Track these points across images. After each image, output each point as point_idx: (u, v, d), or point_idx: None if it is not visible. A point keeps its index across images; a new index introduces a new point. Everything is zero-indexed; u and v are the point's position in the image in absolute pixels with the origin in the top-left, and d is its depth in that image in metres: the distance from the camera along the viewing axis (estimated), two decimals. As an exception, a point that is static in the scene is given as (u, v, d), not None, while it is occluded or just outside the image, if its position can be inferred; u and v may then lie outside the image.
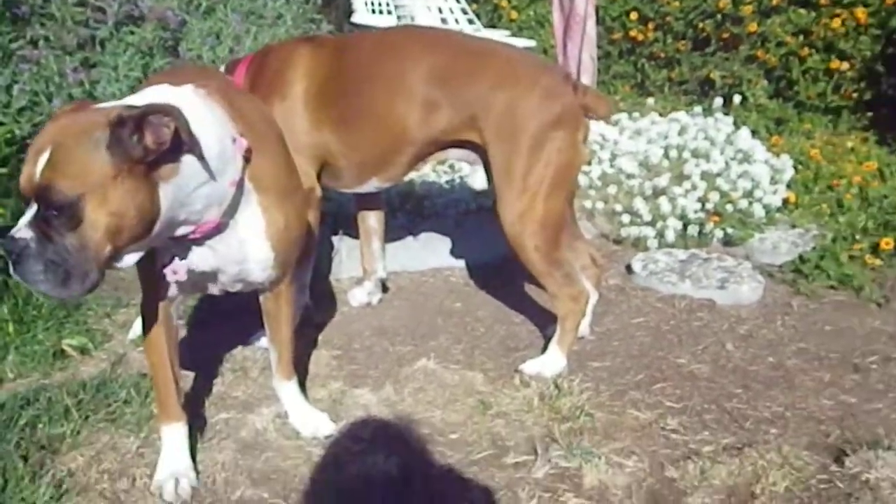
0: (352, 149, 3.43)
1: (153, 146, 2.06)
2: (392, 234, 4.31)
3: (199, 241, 2.37)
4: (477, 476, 2.65)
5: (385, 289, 4.06)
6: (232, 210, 2.36)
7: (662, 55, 7.95)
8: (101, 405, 2.98)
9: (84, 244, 2.05)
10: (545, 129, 3.15)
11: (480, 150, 3.30)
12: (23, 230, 2.05)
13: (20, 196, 2.13)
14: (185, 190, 2.18)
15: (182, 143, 2.09)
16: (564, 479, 2.63)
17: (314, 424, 2.86)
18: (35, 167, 2.03)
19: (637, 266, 4.17)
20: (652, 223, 4.51)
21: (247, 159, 2.36)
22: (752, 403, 3.08)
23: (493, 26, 8.76)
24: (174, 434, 2.63)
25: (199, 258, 2.42)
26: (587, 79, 5.01)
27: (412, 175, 4.92)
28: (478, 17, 9.06)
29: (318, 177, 3.52)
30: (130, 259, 2.20)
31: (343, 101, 3.39)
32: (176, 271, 2.39)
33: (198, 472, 2.63)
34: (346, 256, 4.21)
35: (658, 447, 2.80)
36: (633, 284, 4.12)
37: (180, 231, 2.28)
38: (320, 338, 3.61)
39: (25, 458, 2.67)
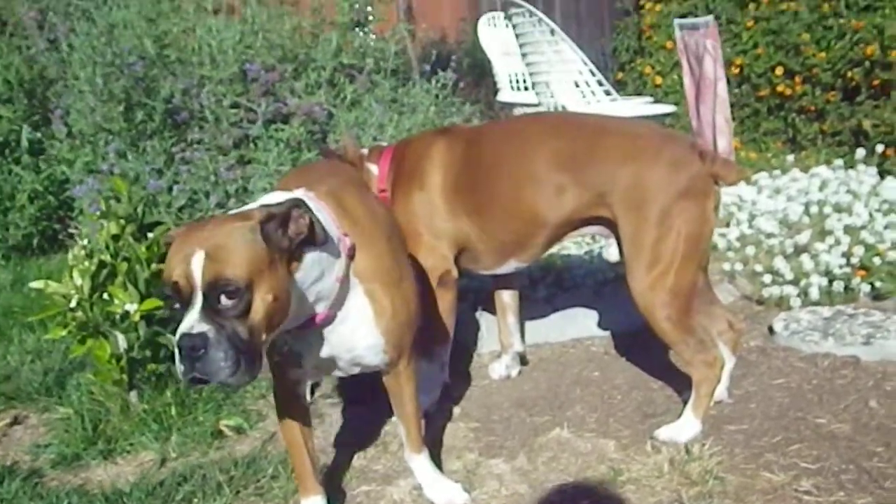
0: (488, 235, 3.59)
1: (294, 237, 2.31)
2: (533, 307, 4.45)
3: (312, 331, 2.58)
4: (604, 543, 2.71)
5: (525, 361, 4.16)
6: (339, 303, 2.56)
7: (812, 108, 7.83)
8: (251, 481, 3.22)
9: (252, 330, 2.26)
10: (673, 200, 3.21)
11: (612, 225, 3.38)
12: (198, 325, 2.21)
13: (175, 296, 2.30)
14: (304, 283, 2.41)
15: (306, 239, 2.35)
16: (692, 545, 2.67)
17: (448, 495, 2.99)
18: (192, 266, 2.22)
19: (779, 326, 4.13)
20: (794, 282, 4.46)
21: (351, 256, 2.57)
22: (895, 462, 3.01)
23: (639, 93, 8.85)
24: (314, 507, 2.81)
25: (315, 347, 2.62)
26: (724, 141, 5.03)
27: (553, 249, 5.06)
28: (624, 86, 9.18)
29: (457, 260, 3.70)
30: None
31: (476, 190, 3.57)
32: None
33: (337, 542, 2.81)
34: (487, 331, 4.34)
35: (790, 509, 2.79)
36: (774, 345, 4.08)
37: (294, 324, 2.49)
38: (460, 411, 3.74)
39: (181, 533, 2.92)
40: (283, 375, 2.75)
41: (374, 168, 3.79)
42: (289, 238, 2.33)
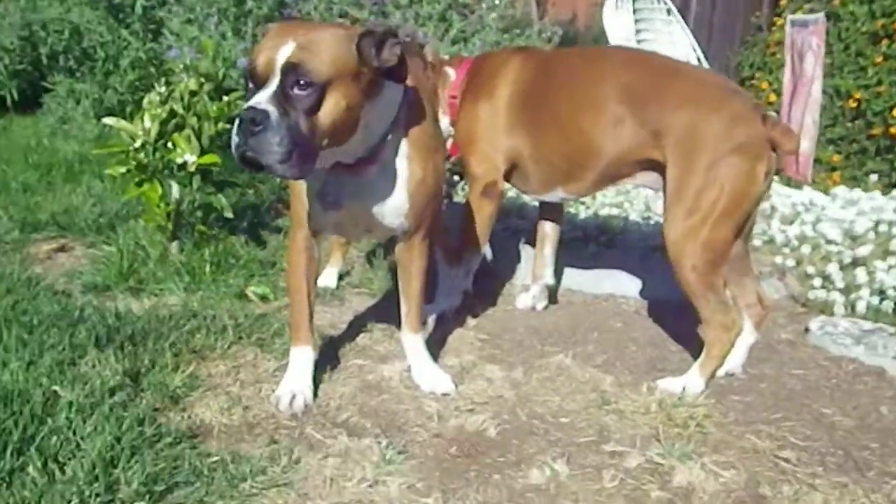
0: (541, 155, 3.63)
1: (384, 61, 2.44)
2: (582, 260, 4.48)
3: (353, 176, 2.67)
4: (570, 454, 2.73)
5: (554, 300, 4.18)
6: (386, 153, 2.67)
7: (921, 157, 7.61)
8: (256, 331, 3.31)
9: (314, 127, 2.36)
10: (725, 153, 3.19)
11: (663, 173, 3.37)
12: (265, 103, 2.31)
13: (252, 79, 2.41)
14: (376, 115, 2.55)
15: (394, 73, 2.49)
16: (654, 474, 2.66)
17: (434, 380, 3.05)
18: (278, 52, 2.34)
19: (814, 325, 4.04)
20: (844, 291, 4.37)
21: (409, 114, 2.70)
22: (885, 459, 2.93)
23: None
24: (301, 356, 2.91)
25: (351, 191, 2.72)
26: (808, 142, 4.95)
27: (614, 210, 5.06)
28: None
29: (508, 177, 3.76)
30: (320, 162, 2.49)
31: (539, 109, 3.61)
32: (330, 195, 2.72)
33: (316, 395, 2.89)
34: (525, 265, 4.36)
35: (763, 469, 2.75)
36: (805, 341, 4.00)
37: (349, 158, 2.62)
38: (475, 323, 3.80)
39: (176, 356, 3.03)
40: (306, 222, 2.84)
41: (451, 73, 3.85)
42: (380, 60, 2.44)
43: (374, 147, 2.63)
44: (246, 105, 2.34)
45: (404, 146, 2.72)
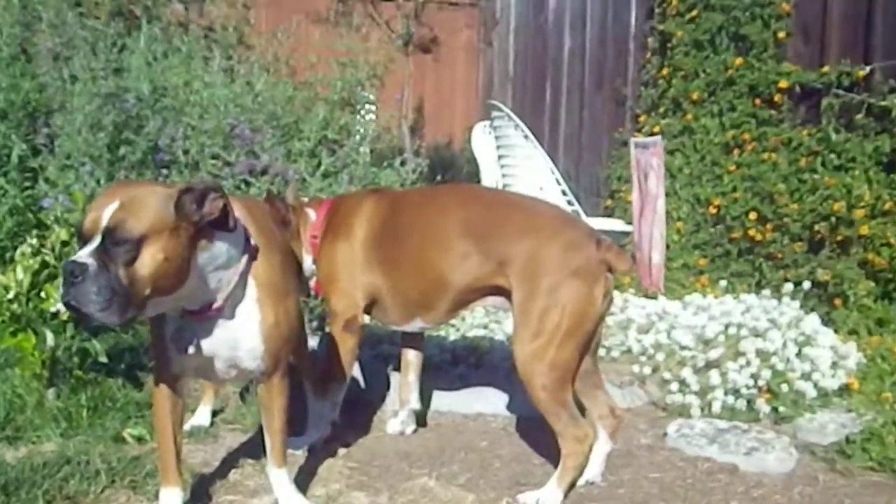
0: (397, 290, 3.86)
1: (205, 215, 2.65)
2: (451, 382, 4.68)
3: (202, 321, 2.84)
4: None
5: (423, 423, 4.36)
6: (233, 299, 2.84)
7: (780, 256, 8.06)
8: (129, 473, 3.40)
9: (132, 279, 2.54)
10: (564, 277, 3.45)
11: (510, 296, 3.61)
12: (85, 257, 2.52)
13: (80, 237, 2.63)
14: (208, 265, 2.73)
15: (221, 223, 2.69)
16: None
17: (298, 512, 3.17)
18: (102, 212, 2.55)
19: (672, 428, 4.30)
20: (699, 393, 4.63)
21: (252, 259, 2.87)
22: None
23: (621, 218, 9.12)
24: (170, 496, 3.01)
25: (203, 336, 2.88)
26: (657, 254, 5.29)
27: (481, 331, 5.30)
28: (612, 212, 9.46)
29: (369, 311, 3.96)
30: (153, 309, 2.71)
31: (392, 247, 3.86)
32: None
33: (186, 535, 2.99)
34: (395, 391, 4.54)
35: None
36: (663, 444, 4.24)
37: (193, 305, 2.79)
38: (344, 452, 3.93)
39: (49, 503, 3.10)
40: (167, 366, 2.98)
41: (312, 214, 4.08)
42: (200, 214, 2.65)
43: (218, 293, 2.81)
44: (68, 259, 2.57)
45: (252, 291, 2.89)
